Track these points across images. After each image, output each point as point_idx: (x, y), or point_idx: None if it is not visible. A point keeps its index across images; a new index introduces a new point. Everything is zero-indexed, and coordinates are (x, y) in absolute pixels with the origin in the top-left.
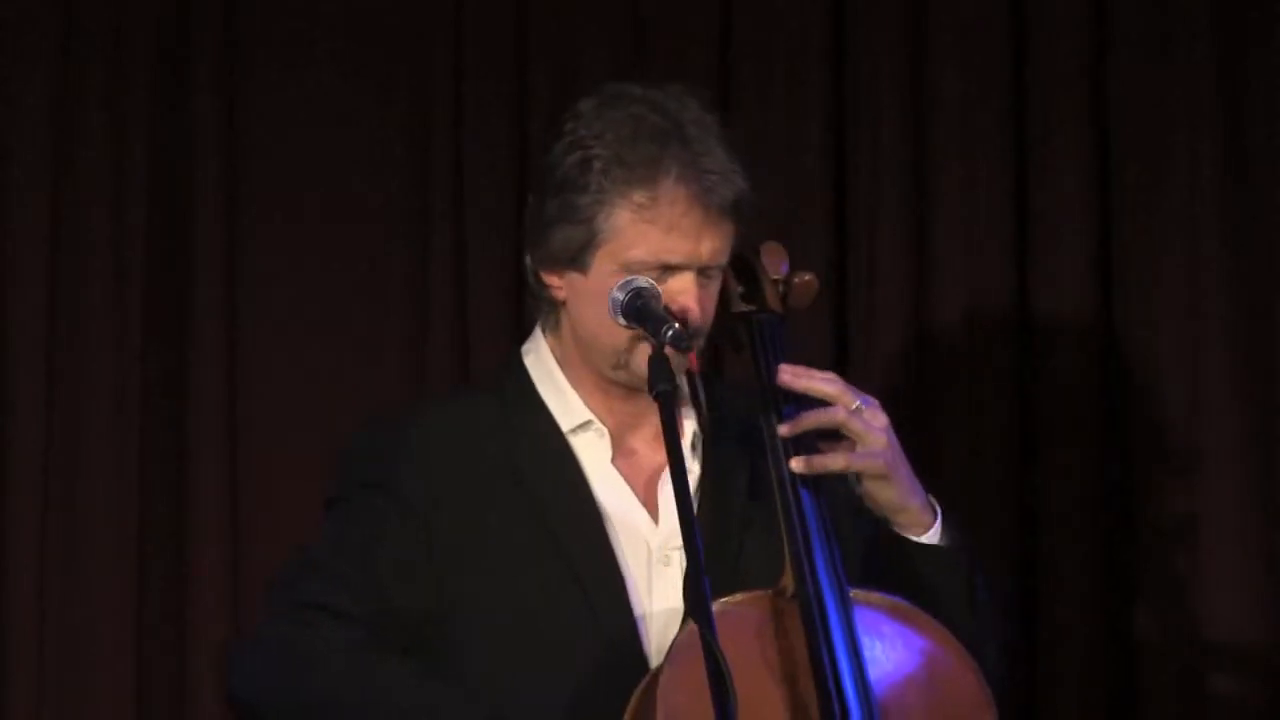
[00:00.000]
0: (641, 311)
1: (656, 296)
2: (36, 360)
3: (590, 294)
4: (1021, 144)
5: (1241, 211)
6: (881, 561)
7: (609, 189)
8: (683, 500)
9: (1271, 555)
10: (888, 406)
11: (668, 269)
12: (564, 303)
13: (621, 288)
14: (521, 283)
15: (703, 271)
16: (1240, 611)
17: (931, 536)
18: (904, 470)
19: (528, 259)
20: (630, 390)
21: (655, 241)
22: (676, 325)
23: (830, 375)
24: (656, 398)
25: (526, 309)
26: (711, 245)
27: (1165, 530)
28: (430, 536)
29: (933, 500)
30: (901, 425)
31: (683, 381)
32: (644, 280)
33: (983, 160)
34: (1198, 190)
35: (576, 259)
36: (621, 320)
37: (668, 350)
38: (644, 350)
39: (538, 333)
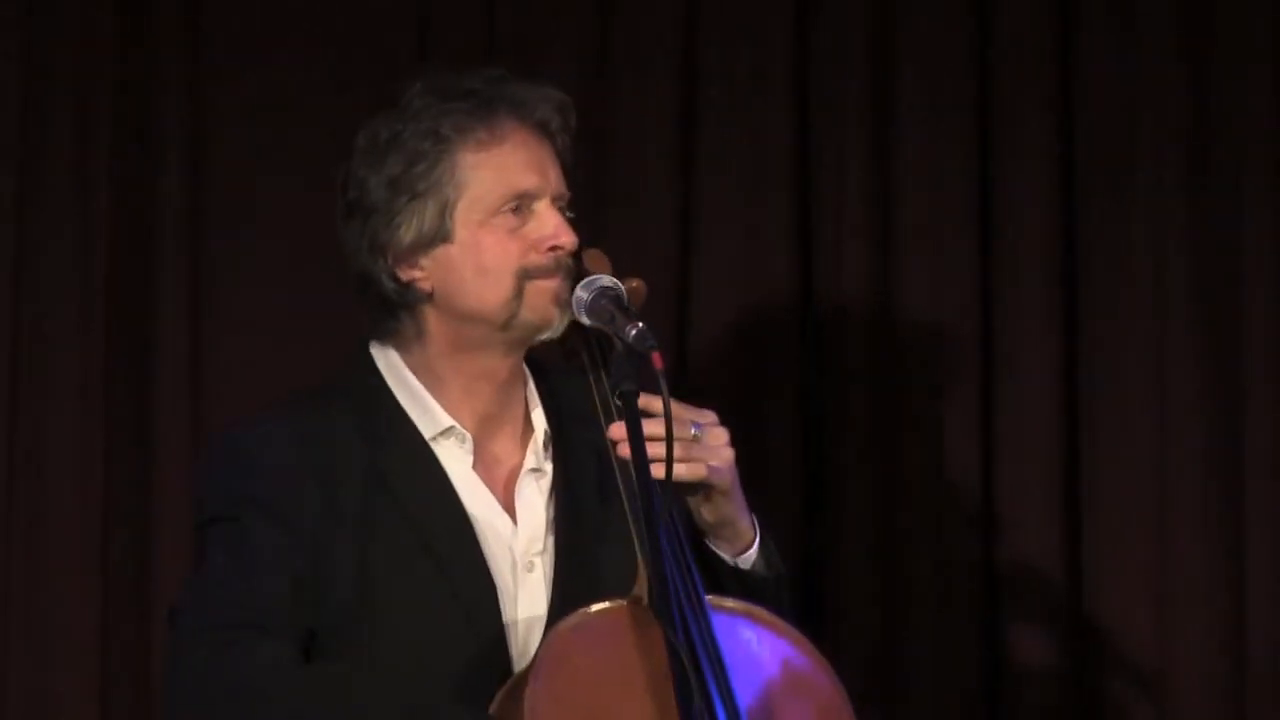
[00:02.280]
0: (606, 310)
1: (620, 296)
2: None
3: (466, 258)
4: (985, 144)
5: (1207, 206)
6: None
7: (449, 138)
8: (648, 500)
9: (1237, 551)
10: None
11: (526, 201)
12: (431, 293)
13: (585, 286)
14: None
15: (556, 202)
16: (1204, 620)
17: (747, 559)
18: (738, 487)
19: (379, 268)
20: (496, 388)
21: (509, 172)
22: (640, 325)
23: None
24: (619, 397)
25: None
26: (555, 171)
27: (1126, 528)
28: (312, 550)
29: (754, 520)
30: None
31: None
32: (607, 279)
33: (947, 161)
34: (1163, 184)
35: (438, 233)
36: (586, 319)
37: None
38: (535, 291)
39: (382, 347)
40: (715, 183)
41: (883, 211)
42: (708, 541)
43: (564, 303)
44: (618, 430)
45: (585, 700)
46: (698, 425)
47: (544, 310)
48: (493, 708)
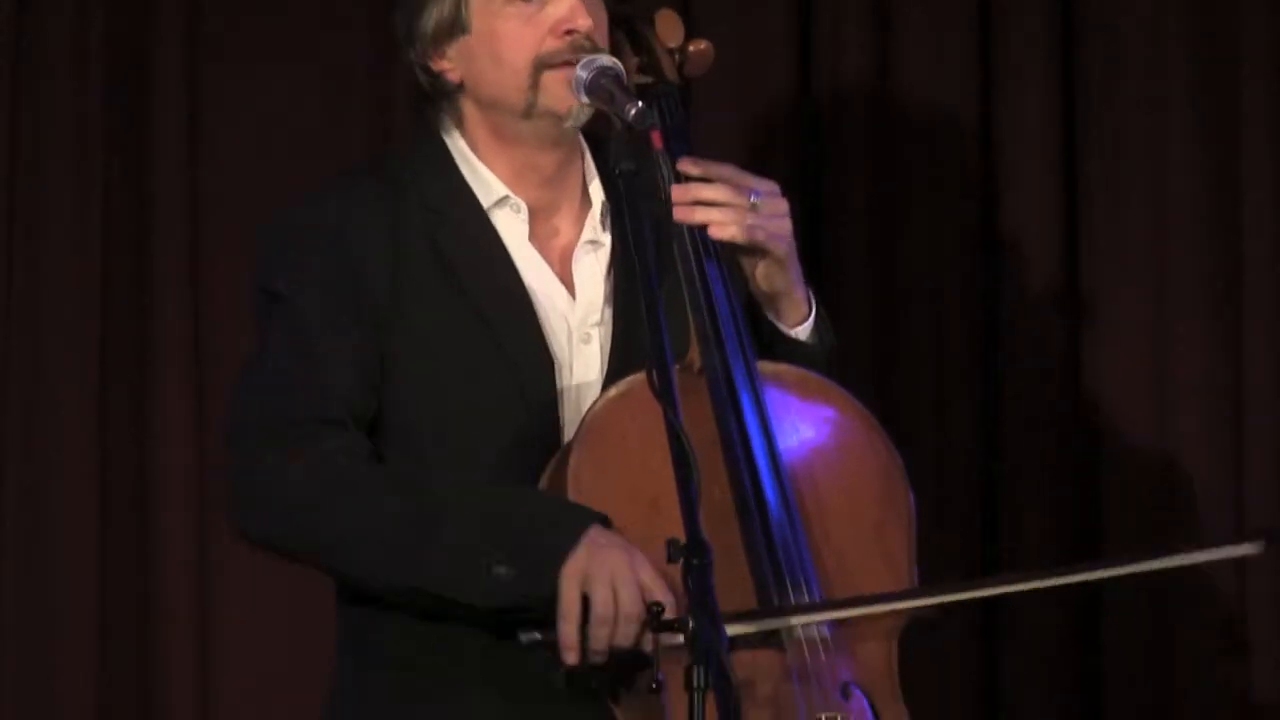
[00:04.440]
0: (605, 89)
1: (620, 75)
2: None
3: (482, 48)
4: (988, 67)
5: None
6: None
7: None
8: (647, 278)
9: (1237, 479)
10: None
11: None
12: (461, 83)
13: (585, 66)
14: None
15: None
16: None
17: (803, 331)
18: (794, 258)
19: (412, 59)
20: (544, 179)
21: None
22: (640, 104)
23: (719, 179)
24: (619, 176)
25: None
26: None
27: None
28: (370, 321)
29: (810, 296)
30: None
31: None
32: (607, 59)
33: (948, 77)
34: (1161, 96)
35: (455, 23)
36: (584, 98)
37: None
38: (552, 79)
39: (445, 132)
40: None
41: (886, 141)
42: (769, 313)
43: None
44: (680, 192)
45: (630, 466)
46: (757, 193)
47: (562, 98)
48: (543, 481)
